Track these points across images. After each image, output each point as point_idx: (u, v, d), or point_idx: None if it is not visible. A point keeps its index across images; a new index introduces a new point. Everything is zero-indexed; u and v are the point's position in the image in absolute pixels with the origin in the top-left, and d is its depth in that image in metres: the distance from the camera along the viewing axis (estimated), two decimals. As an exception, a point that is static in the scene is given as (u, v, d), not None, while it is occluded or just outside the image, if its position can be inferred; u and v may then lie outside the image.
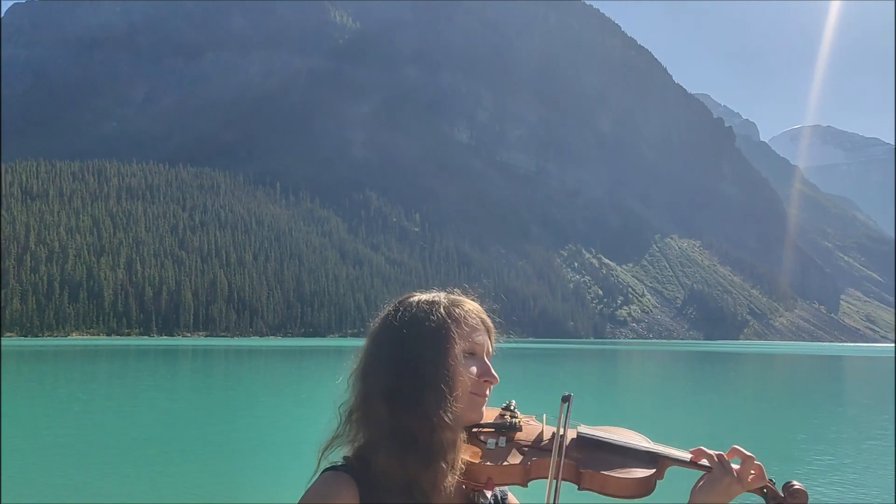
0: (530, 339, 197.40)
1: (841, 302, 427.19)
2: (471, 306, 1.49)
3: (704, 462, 1.44)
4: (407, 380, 1.35)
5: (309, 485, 1.33)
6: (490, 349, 1.48)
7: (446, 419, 1.33)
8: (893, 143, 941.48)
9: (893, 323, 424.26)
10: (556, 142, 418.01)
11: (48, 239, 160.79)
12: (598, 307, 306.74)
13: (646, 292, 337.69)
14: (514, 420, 1.47)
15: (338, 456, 1.42)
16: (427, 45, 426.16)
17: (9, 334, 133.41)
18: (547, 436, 1.45)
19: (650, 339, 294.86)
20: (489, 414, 1.49)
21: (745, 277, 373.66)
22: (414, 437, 1.32)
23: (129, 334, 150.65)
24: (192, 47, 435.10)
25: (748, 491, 1.45)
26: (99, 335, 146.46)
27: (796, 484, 1.40)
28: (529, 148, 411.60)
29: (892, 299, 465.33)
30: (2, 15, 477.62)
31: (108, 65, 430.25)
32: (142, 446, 15.21)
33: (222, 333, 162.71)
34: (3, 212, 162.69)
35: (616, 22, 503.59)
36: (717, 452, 1.44)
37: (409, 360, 1.37)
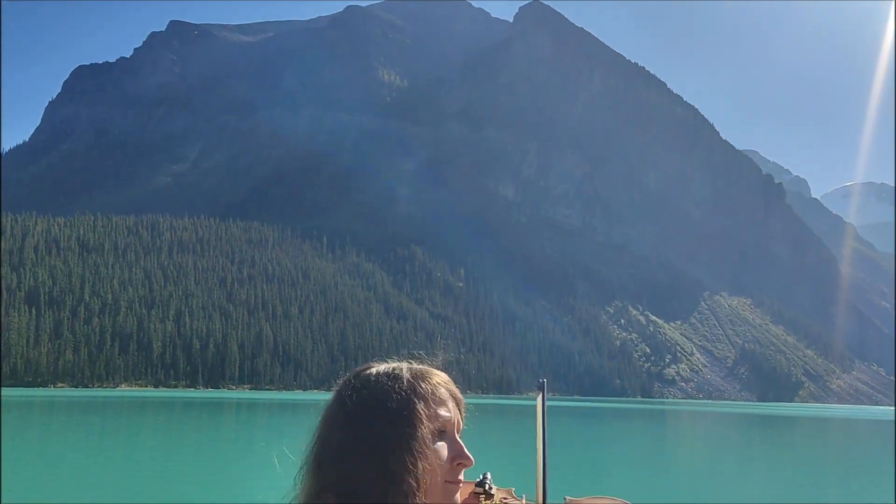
0: (575, 396, 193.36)
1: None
2: (438, 378, 1.30)
3: None
4: (364, 474, 1.13)
5: None
6: (460, 424, 1.28)
7: None
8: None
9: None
10: (602, 197, 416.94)
11: (102, 291, 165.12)
12: (646, 365, 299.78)
13: (695, 351, 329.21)
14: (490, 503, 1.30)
15: None
16: (472, 103, 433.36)
17: (60, 385, 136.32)
18: None
19: (700, 398, 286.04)
20: (463, 490, 1.32)
21: (799, 337, 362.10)
22: None
23: (175, 386, 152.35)
24: (244, 105, 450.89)
25: None
26: (147, 387, 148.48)
27: None
28: (574, 203, 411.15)
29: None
30: (67, 77, 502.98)
31: (165, 123, 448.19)
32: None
33: (267, 387, 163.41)
34: (61, 264, 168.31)
35: (661, 79, 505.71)
36: None
37: (368, 451, 1.14)
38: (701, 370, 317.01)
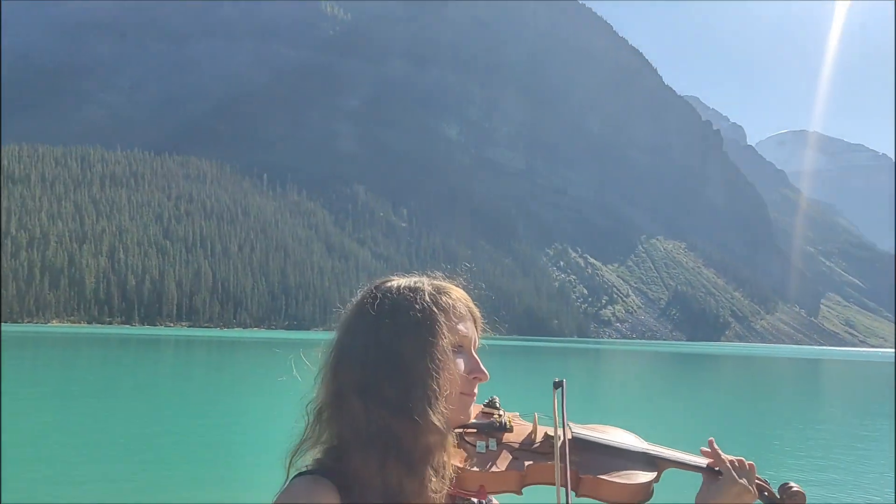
0: (514, 336, 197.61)
1: (821, 306, 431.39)
2: (457, 294, 1.30)
3: (703, 464, 1.34)
4: (387, 375, 1.15)
5: (280, 492, 1.13)
6: (476, 342, 1.31)
7: (435, 421, 1.14)
8: (878, 150, 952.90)
9: (872, 328, 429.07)
10: (545, 140, 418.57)
11: (29, 224, 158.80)
12: (583, 306, 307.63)
13: (630, 293, 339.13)
14: (503, 420, 1.33)
15: (306, 462, 1.22)
16: (417, 41, 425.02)
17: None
18: (539, 436, 1.33)
19: (633, 338, 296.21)
20: (474, 410, 1.33)
21: (728, 280, 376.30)
22: (396, 440, 1.14)
23: (110, 323, 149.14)
24: (179, 34, 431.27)
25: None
26: (80, 323, 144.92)
27: (794, 486, 1.34)
28: (518, 146, 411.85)
29: (872, 304, 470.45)
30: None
31: (94, 49, 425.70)
32: (112, 440, 14.89)
33: (205, 324, 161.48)
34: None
35: (608, 21, 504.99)
36: (732, 457, 1.32)
37: (391, 354, 1.16)
38: (635, 311, 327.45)
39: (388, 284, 1.26)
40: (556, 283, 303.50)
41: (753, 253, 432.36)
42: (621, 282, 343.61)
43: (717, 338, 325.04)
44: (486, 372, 1.25)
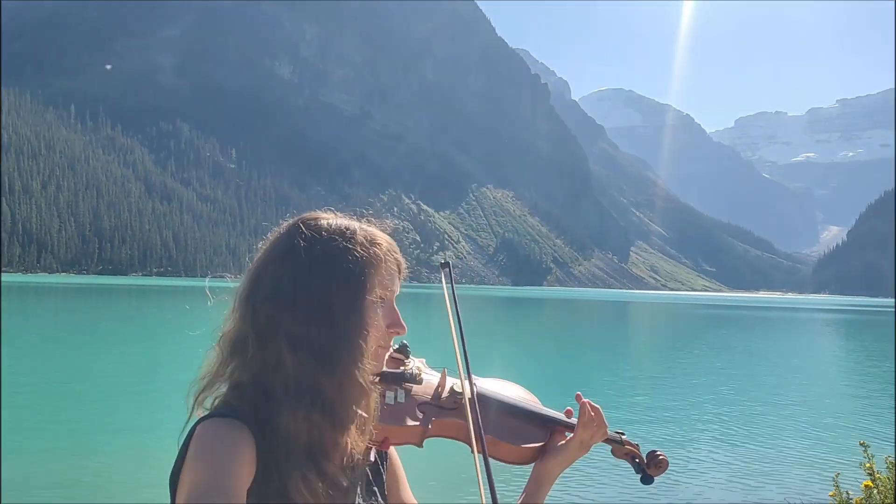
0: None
1: (631, 253, 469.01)
2: (387, 245, 1.24)
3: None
4: (319, 330, 1.10)
5: (187, 435, 1.06)
6: (397, 291, 1.24)
7: (361, 379, 1.12)
8: (682, 110, 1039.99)
9: (673, 273, 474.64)
10: (381, 86, 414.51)
11: None
12: (415, 252, 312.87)
13: (461, 239, 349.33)
14: (413, 371, 1.30)
15: (211, 400, 1.13)
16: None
17: None
18: (446, 391, 1.33)
19: (463, 284, 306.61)
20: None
21: (551, 228, 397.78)
22: (323, 395, 1.10)
23: None
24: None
25: (619, 457, 1.44)
26: None
27: (660, 454, 1.42)
28: (353, 90, 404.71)
29: (674, 252, 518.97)
30: None
31: None
32: None
33: (5, 269, 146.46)
34: None
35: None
36: (590, 407, 1.37)
37: (322, 306, 1.11)
38: (465, 257, 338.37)
39: (318, 224, 1.19)
40: (390, 230, 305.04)
41: (574, 203, 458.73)
42: (452, 229, 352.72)
43: (540, 282, 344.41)
44: (405, 326, 1.23)
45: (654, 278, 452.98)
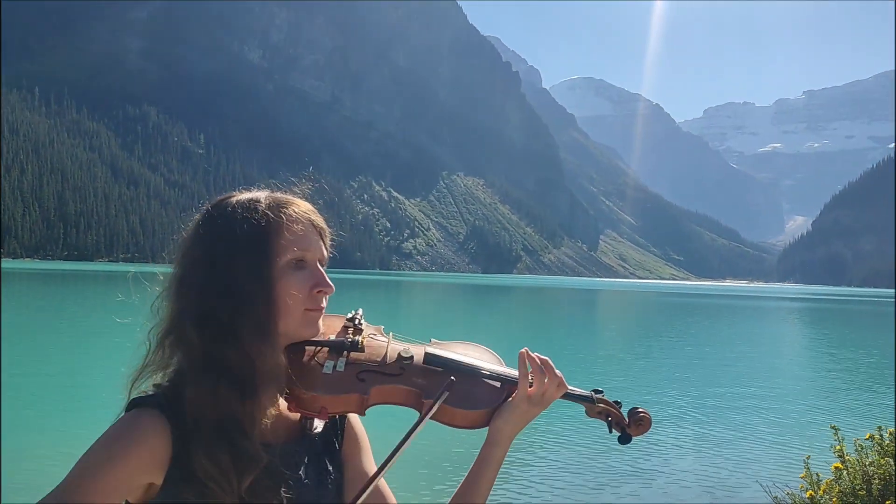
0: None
1: (600, 242, 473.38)
2: (297, 208, 1.22)
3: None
4: (219, 301, 1.10)
5: (112, 423, 1.07)
6: (325, 255, 1.24)
7: (266, 347, 1.11)
8: (652, 100, 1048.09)
9: (641, 261, 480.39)
10: (352, 72, 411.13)
11: None
12: (386, 239, 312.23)
13: (431, 226, 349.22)
14: (355, 338, 1.26)
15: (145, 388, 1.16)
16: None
17: None
18: (392, 357, 1.27)
19: (433, 271, 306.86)
20: (333, 323, 1.30)
21: (521, 216, 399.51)
22: (227, 367, 1.09)
23: None
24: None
25: (593, 417, 1.38)
26: None
27: (641, 411, 1.35)
28: (324, 76, 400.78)
29: (642, 241, 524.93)
30: None
31: None
32: None
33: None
34: None
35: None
36: (538, 360, 1.32)
37: (221, 277, 1.11)
38: (436, 245, 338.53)
39: (226, 202, 1.20)
40: (360, 216, 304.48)
41: (544, 191, 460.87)
42: (423, 216, 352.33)
43: (510, 270, 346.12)
44: (331, 285, 1.20)
45: (623, 267, 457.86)
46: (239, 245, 1.12)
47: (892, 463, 3.47)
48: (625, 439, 1.34)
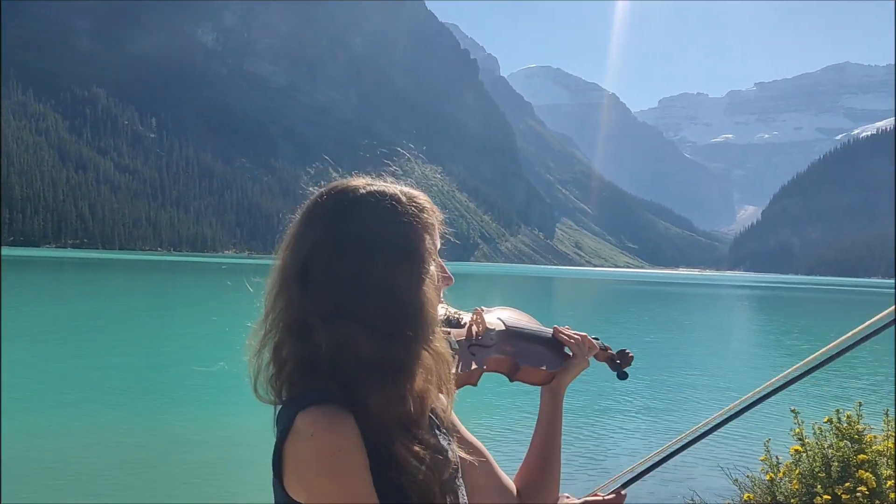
0: (273, 256, 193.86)
1: (556, 230, 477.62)
2: (429, 203, 1.25)
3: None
4: (387, 309, 1.06)
5: (284, 423, 1.01)
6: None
7: (440, 347, 1.11)
8: (608, 89, 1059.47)
9: (596, 249, 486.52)
10: (308, 57, 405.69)
11: None
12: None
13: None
14: (457, 315, 1.37)
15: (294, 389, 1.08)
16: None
17: None
18: (478, 329, 1.38)
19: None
20: None
21: (479, 204, 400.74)
22: (409, 372, 1.07)
23: None
24: None
25: (600, 361, 1.63)
26: None
27: (628, 351, 1.62)
28: (280, 60, 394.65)
29: (598, 229, 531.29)
30: None
31: None
32: None
33: None
34: None
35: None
36: (577, 335, 1.52)
37: (385, 286, 1.07)
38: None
39: (358, 195, 1.16)
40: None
41: (501, 179, 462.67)
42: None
43: (468, 258, 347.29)
44: (452, 276, 1.26)
45: (579, 254, 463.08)
46: (396, 257, 1.10)
47: (851, 445, 3.57)
48: (623, 376, 1.62)
